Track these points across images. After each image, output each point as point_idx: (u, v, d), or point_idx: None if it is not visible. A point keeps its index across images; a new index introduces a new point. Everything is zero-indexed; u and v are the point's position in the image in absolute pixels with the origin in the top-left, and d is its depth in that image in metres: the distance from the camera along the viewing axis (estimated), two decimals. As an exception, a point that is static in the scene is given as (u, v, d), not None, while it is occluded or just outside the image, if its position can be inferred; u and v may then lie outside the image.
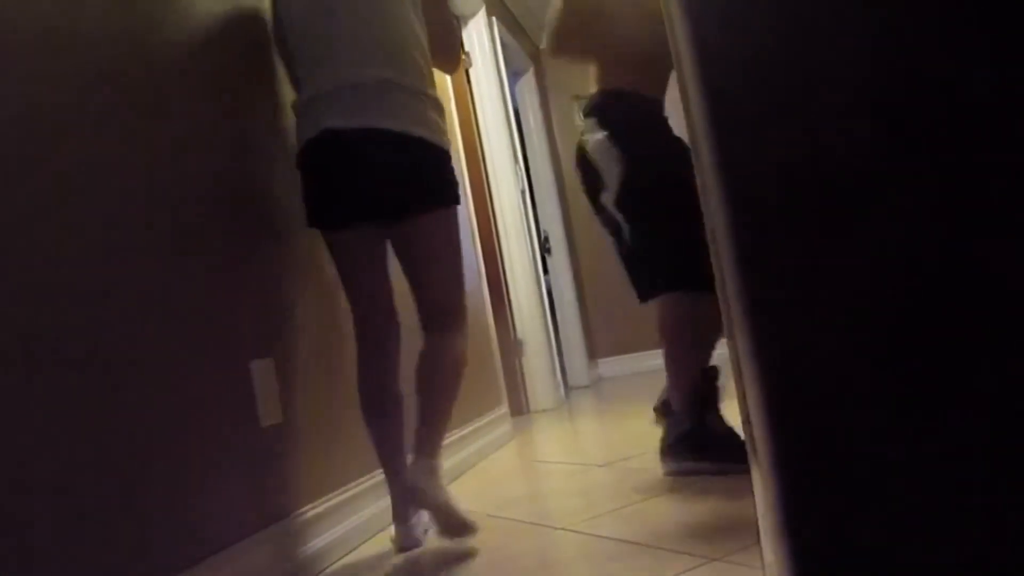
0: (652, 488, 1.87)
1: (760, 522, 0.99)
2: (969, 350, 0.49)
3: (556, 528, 1.71)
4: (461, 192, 1.93)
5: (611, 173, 2.03)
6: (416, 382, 1.78)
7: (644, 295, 2.09)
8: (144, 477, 1.25)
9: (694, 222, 0.94)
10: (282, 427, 1.66)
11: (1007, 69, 0.49)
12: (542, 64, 5.59)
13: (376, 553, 1.78)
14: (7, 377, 1.05)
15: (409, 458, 1.77)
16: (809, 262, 0.52)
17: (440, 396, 1.76)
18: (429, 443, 1.72)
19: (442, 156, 1.77)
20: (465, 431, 2.80)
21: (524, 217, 4.33)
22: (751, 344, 0.53)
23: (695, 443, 1.95)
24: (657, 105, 2.13)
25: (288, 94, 1.90)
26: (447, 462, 2.49)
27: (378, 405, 1.80)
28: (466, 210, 3.37)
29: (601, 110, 2.11)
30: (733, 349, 0.67)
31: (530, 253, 4.30)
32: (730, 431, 1.93)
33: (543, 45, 2.51)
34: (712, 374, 1.98)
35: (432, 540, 1.79)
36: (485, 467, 2.72)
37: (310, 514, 1.69)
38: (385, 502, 1.99)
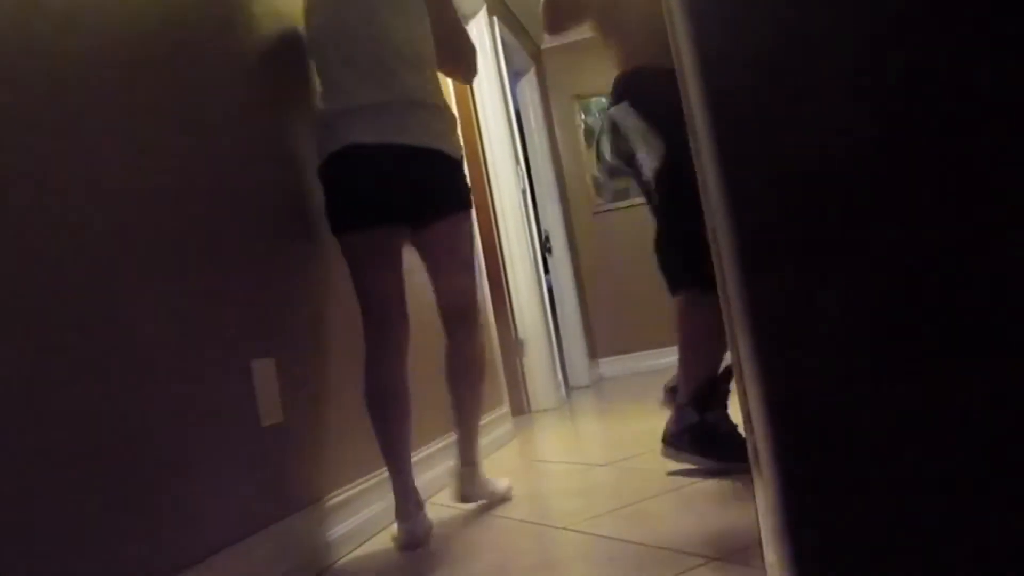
0: (653, 488, 1.87)
1: (761, 522, 0.99)
2: (970, 351, 0.49)
3: (557, 528, 1.71)
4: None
5: (647, 155, 1.95)
6: (447, 382, 2.01)
7: (675, 286, 2.02)
8: (145, 476, 1.25)
9: None
10: (283, 427, 1.66)
11: (1008, 69, 0.49)
12: (543, 64, 5.59)
13: (377, 552, 1.78)
14: (8, 377, 1.05)
15: (414, 456, 1.88)
16: (809, 262, 0.52)
17: (468, 398, 2.02)
18: (467, 451, 2.03)
19: (456, 166, 1.93)
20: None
21: (525, 217, 4.33)
22: (752, 344, 0.53)
23: (699, 438, 1.95)
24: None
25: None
26: (447, 462, 2.51)
27: (384, 402, 1.85)
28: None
29: (632, 92, 1.99)
30: (734, 349, 0.67)
31: (531, 253, 4.30)
32: (734, 430, 1.92)
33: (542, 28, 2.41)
34: (728, 375, 1.97)
35: (432, 539, 1.79)
36: (486, 466, 2.71)
37: (310, 514, 1.69)
38: (386, 502, 2.00)
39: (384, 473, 2.06)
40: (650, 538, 1.47)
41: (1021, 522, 0.48)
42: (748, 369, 0.56)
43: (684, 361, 2.01)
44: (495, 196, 4.16)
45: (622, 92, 2.03)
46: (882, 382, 0.50)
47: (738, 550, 1.30)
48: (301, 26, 2.03)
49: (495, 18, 4.25)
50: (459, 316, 1.97)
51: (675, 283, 2.02)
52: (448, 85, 3.46)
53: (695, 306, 1.96)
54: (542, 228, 5.08)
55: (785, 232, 0.52)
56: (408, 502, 1.79)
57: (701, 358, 1.97)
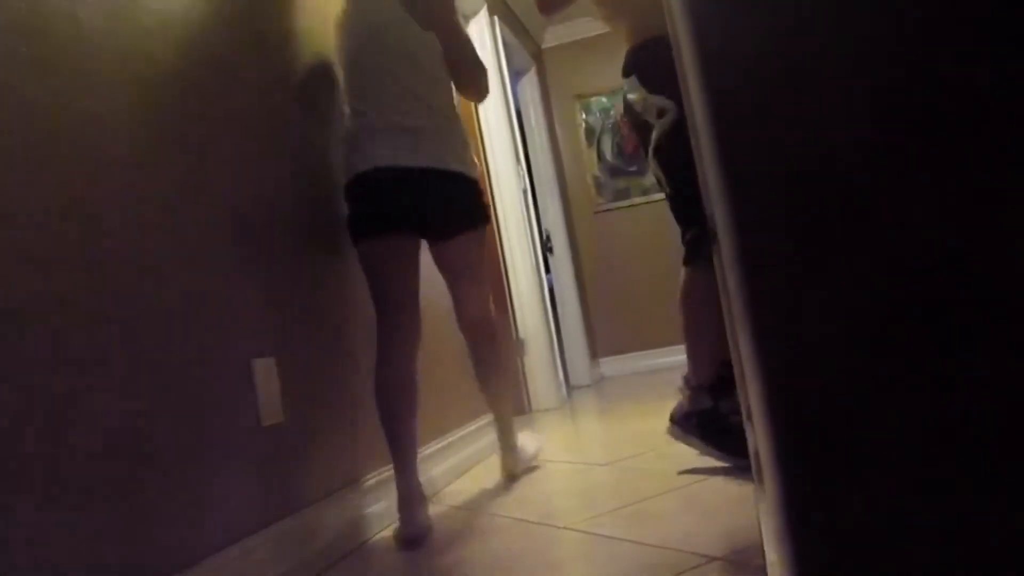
0: (654, 488, 1.87)
1: (762, 522, 0.99)
2: (971, 351, 0.49)
3: (558, 527, 1.71)
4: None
5: (659, 124, 1.93)
6: (478, 384, 2.29)
7: (691, 256, 1.98)
8: (144, 475, 1.25)
9: None
10: (284, 426, 1.66)
11: (1010, 69, 0.49)
12: (544, 63, 5.59)
13: (377, 551, 1.79)
14: (8, 376, 1.05)
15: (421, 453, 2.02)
16: (810, 261, 0.52)
17: (498, 396, 2.29)
18: (506, 437, 2.36)
19: (474, 186, 2.10)
20: (467, 430, 2.81)
21: (526, 216, 4.33)
22: (752, 343, 0.53)
23: (707, 425, 1.93)
24: None
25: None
26: (449, 461, 2.52)
27: (392, 398, 1.92)
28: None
29: (639, 66, 1.97)
30: (735, 347, 0.67)
31: (532, 252, 4.30)
32: (742, 425, 1.91)
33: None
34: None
35: (433, 539, 1.79)
36: (487, 466, 2.72)
37: (310, 514, 1.69)
38: (386, 501, 2.00)
39: (384, 473, 2.06)
40: (651, 538, 1.47)
41: (1021, 522, 0.48)
42: (748, 368, 0.56)
43: (689, 343, 2.00)
44: (496, 196, 4.16)
45: (630, 67, 2.01)
46: (882, 382, 0.50)
47: (739, 550, 1.30)
48: (330, 51, 2.21)
49: (496, 17, 4.25)
50: (477, 325, 2.19)
51: (692, 254, 1.97)
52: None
53: (693, 279, 1.94)
54: (543, 227, 5.08)
55: (785, 231, 0.52)
56: (411, 497, 1.84)
57: (704, 332, 1.95)
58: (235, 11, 1.80)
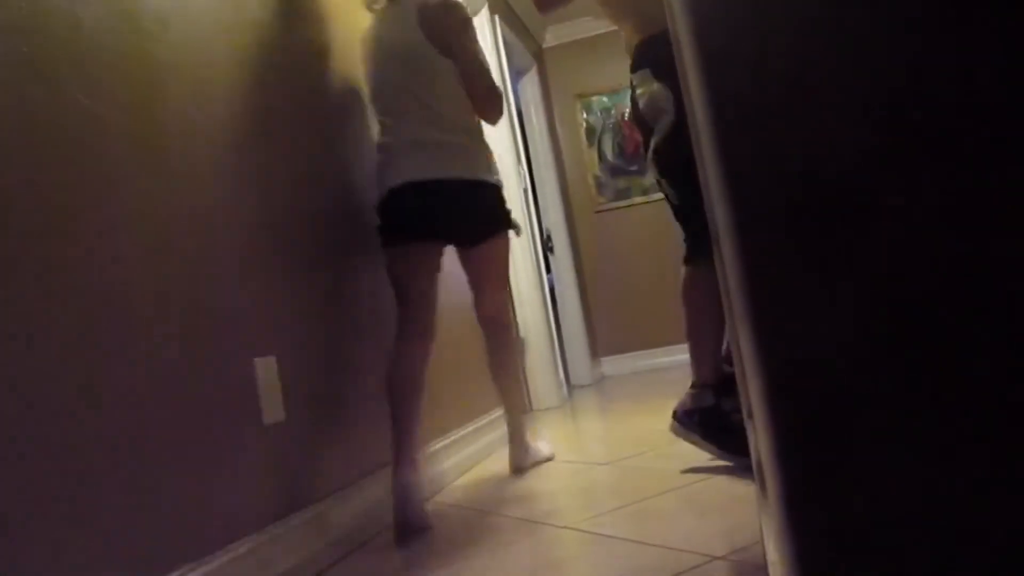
0: (655, 487, 1.87)
1: (763, 520, 0.99)
2: (972, 352, 0.49)
3: (558, 527, 1.71)
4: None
5: (658, 128, 1.93)
6: (491, 377, 2.45)
7: (691, 254, 1.99)
8: (145, 473, 1.25)
9: None
10: (285, 425, 1.66)
11: (1012, 68, 0.49)
12: (544, 63, 5.59)
13: (376, 552, 1.79)
14: (10, 374, 1.05)
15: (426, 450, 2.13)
16: (811, 260, 0.52)
17: (509, 390, 2.43)
18: (515, 431, 2.45)
19: (497, 192, 2.26)
20: (468, 429, 2.81)
21: (527, 216, 4.33)
22: (753, 342, 0.53)
23: (709, 422, 1.94)
24: None
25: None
26: (450, 461, 2.52)
27: (401, 388, 2.05)
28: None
29: (651, 59, 1.94)
30: (736, 348, 0.67)
31: (532, 251, 4.30)
32: (743, 422, 1.91)
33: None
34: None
35: (433, 538, 1.79)
36: (488, 465, 2.72)
37: (310, 514, 1.69)
38: (386, 500, 2.00)
39: (385, 473, 2.06)
40: (652, 537, 1.47)
41: (1021, 522, 0.48)
42: (749, 367, 0.56)
43: (691, 340, 2.00)
44: (497, 195, 4.15)
45: (641, 60, 1.99)
46: (883, 381, 0.50)
47: (740, 549, 1.30)
48: (357, 68, 2.38)
49: (497, 17, 4.25)
50: (495, 324, 2.37)
51: (693, 253, 1.98)
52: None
53: (694, 278, 1.94)
54: (544, 227, 5.08)
55: (786, 231, 0.52)
56: (405, 487, 1.90)
57: (705, 330, 1.95)
58: (269, 26, 1.80)
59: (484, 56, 2.24)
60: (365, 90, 2.35)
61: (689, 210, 1.92)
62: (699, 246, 1.94)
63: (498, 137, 4.16)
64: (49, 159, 1.19)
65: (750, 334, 0.54)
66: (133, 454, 1.23)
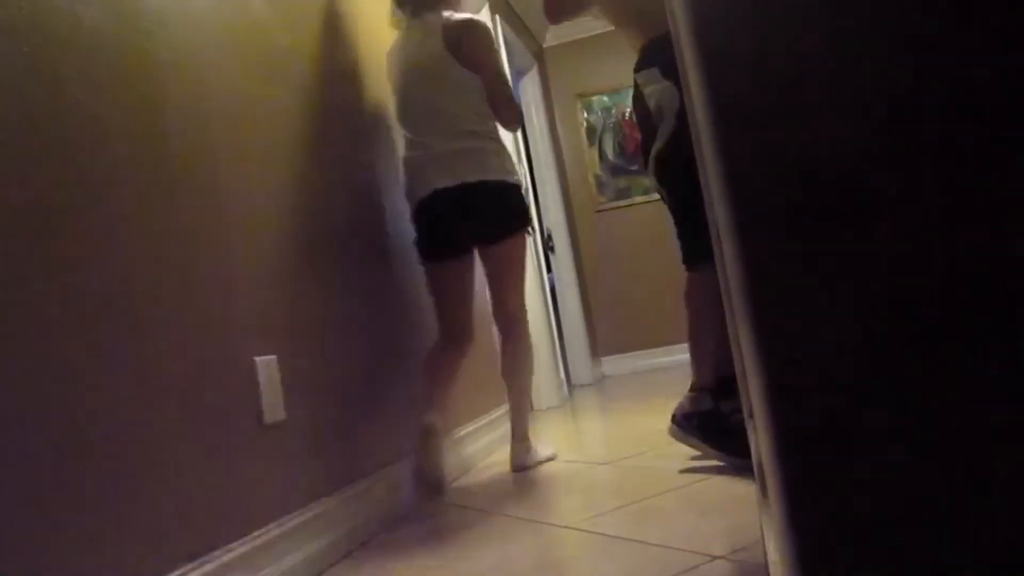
0: (655, 487, 1.87)
1: (764, 520, 0.99)
2: (972, 352, 0.49)
3: (559, 526, 1.71)
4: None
5: (664, 128, 1.92)
6: (501, 372, 2.51)
7: (691, 262, 2.00)
8: (145, 473, 1.25)
9: None
10: (285, 424, 1.67)
11: (1012, 68, 0.49)
12: (545, 62, 5.59)
13: (376, 552, 1.79)
14: (11, 374, 1.05)
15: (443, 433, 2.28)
16: (811, 260, 0.52)
17: (516, 385, 2.50)
18: (518, 428, 2.49)
19: (516, 191, 2.40)
20: (469, 428, 2.81)
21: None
22: (754, 341, 0.53)
23: (707, 425, 1.94)
24: None
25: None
26: (450, 460, 2.51)
27: (436, 375, 2.34)
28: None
29: (661, 60, 1.90)
30: (737, 347, 0.67)
31: (533, 251, 4.30)
32: (743, 424, 1.92)
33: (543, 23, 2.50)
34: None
35: (433, 538, 1.79)
36: (489, 464, 2.72)
37: (310, 514, 1.69)
38: (386, 501, 2.00)
39: (385, 473, 2.06)
40: (652, 536, 1.47)
41: (1021, 522, 0.48)
42: (750, 366, 0.56)
43: (693, 344, 2.00)
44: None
45: (650, 59, 1.98)
46: (884, 381, 0.50)
47: (741, 548, 1.30)
48: (383, 83, 2.58)
49: (497, 16, 4.25)
50: (511, 320, 2.46)
51: (692, 260, 2.00)
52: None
53: (696, 283, 1.95)
54: (544, 226, 5.08)
55: (786, 231, 0.52)
56: (425, 431, 2.12)
57: (706, 335, 1.96)
58: (270, 25, 1.81)
59: (505, 70, 2.43)
60: (390, 103, 2.54)
61: (684, 215, 1.93)
62: (694, 250, 1.96)
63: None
64: (49, 159, 1.19)
65: (750, 334, 0.54)
66: (131, 453, 1.23)
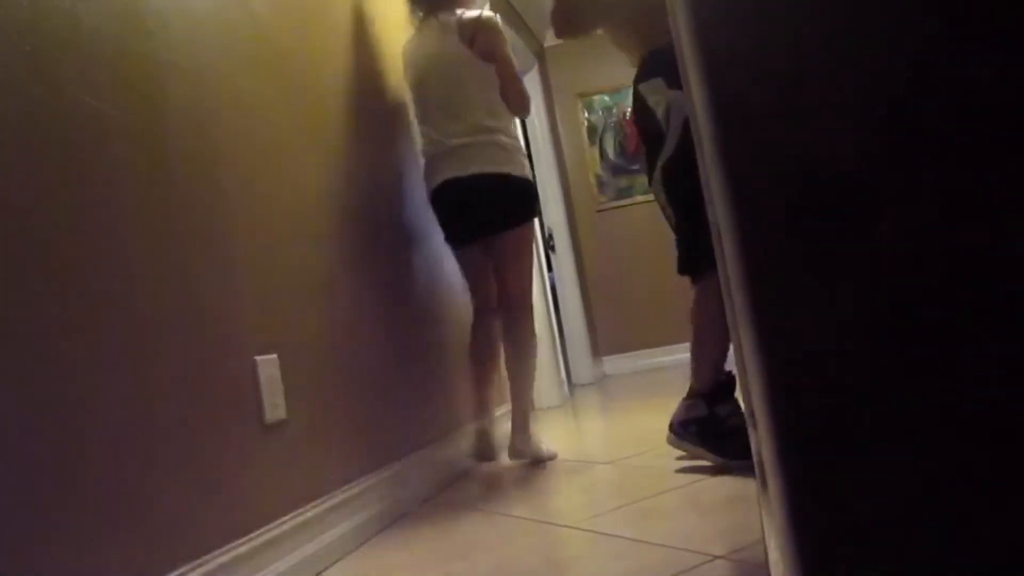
0: (656, 486, 1.88)
1: (765, 520, 0.99)
2: (972, 351, 0.49)
3: (560, 526, 1.71)
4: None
5: (669, 143, 1.93)
6: (504, 360, 2.64)
7: (689, 272, 2.01)
8: (146, 472, 1.25)
9: None
10: (287, 424, 1.67)
11: (1012, 68, 0.49)
12: (546, 62, 5.59)
13: (376, 552, 1.79)
14: (12, 374, 1.05)
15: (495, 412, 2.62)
16: (811, 261, 0.52)
17: (517, 373, 2.58)
18: (517, 417, 2.54)
19: (524, 184, 2.52)
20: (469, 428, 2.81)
21: (528, 215, 4.32)
22: (754, 341, 0.53)
23: (705, 431, 1.95)
24: None
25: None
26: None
27: (481, 359, 2.59)
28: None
29: (665, 67, 1.88)
30: (738, 347, 0.67)
31: (534, 250, 4.30)
32: (742, 424, 1.92)
33: (549, 31, 2.57)
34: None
35: (434, 537, 1.79)
36: (488, 464, 2.72)
37: (310, 514, 1.69)
38: (386, 501, 2.00)
39: (384, 474, 2.06)
40: (653, 536, 1.47)
41: (1022, 522, 0.48)
42: (751, 367, 0.56)
43: (695, 352, 2.01)
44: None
45: (656, 69, 1.98)
46: (884, 380, 0.50)
47: (741, 548, 1.30)
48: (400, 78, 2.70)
49: (498, 16, 4.23)
50: (516, 310, 2.55)
51: (692, 270, 2.01)
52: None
53: (703, 295, 1.96)
54: (545, 226, 5.08)
55: (786, 231, 0.52)
56: (481, 430, 2.47)
57: (709, 347, 1.97)
58: (270, 25, 1.81)
59: (514, 59, 2.55)
60: (408, 98, 2.69)
61: (692, 223, 1.93)
62: (694, 261, 1.96)
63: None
64: (50, 159, 1.19)
65: (751, 334, 0.54)
66: (131, 453, 1.23)
